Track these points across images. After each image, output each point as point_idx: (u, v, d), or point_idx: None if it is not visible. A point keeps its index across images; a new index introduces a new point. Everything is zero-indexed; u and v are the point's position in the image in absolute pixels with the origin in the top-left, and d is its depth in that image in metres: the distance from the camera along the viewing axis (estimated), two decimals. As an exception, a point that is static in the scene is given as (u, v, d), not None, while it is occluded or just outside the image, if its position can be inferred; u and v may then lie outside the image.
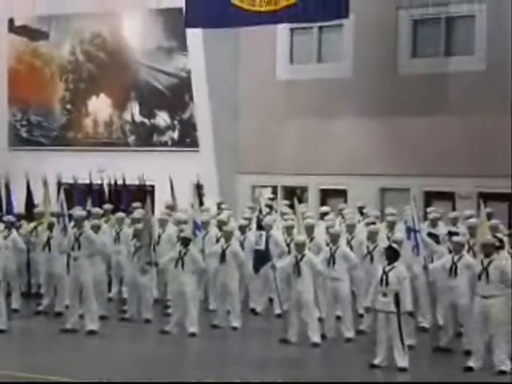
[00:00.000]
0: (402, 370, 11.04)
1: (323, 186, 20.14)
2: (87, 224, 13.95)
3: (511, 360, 11.00)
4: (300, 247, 12.67)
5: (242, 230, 14.92)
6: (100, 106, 22.96)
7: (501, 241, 12.33)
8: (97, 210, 15.96)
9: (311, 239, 13.69)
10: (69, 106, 23.53)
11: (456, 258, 11.99)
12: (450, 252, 12.31)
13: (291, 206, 16.32)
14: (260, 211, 13.70)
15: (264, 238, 13.18)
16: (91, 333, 13.12)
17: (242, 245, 14.42)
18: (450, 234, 13.01)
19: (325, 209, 16.82)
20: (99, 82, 22.92)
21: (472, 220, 13.57)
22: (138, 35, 22.30)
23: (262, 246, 13.20)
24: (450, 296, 12.11)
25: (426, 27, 19.19)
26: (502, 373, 10.87)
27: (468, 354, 11.39)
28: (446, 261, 12.18)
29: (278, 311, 14.23)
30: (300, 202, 17.33)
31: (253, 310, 14.90)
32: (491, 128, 17.90)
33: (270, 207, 17.28)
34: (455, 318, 12.16)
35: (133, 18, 22.34)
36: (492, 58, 18.02)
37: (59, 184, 19.70)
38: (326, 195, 20.17)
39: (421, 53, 19.19)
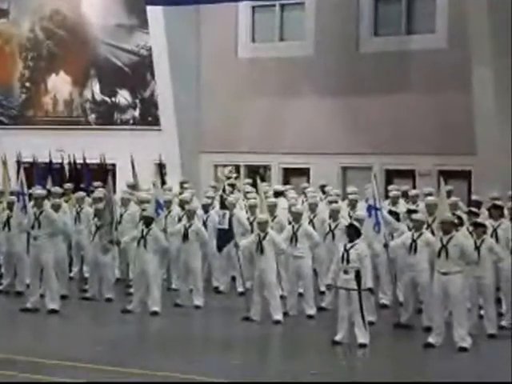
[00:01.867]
0: (363, 346, 11.15)
1: (286, 164, 20.16)
2: (47, 203, 13.82)
3: (471, 337, 11.15)
4: (262, 226, 12.69)
5: (205, 208, 14.90)
6: (60, 84, 22.70)
7: (460, 218, 12.47)
8: (57, 188, 15.83)
9: (274, 218, 13.72)
10: (28, 84, 23.25)
11: (416, 235, 12.10)
12: (410, 229, 12.42)
13: (254, 185, 16.32)
14: (223, 190, 13.68)
15: (227, 216, 13.17)
16: (52, 312, 13.05)
17: (204, 224, 14.43)
18: (410, 211, 13.11)
19: (278, 187, 16.80)
20: (59, 60, 22.66)
21: (430, 198, 13.69)
22: (98, 12, 22.05)
23: (225, 225, 13.20)
24: (410, 273, 12.22)
25: (388, 5, 19.22)
26: (463, 349, 11.01)
27: (428, 330, 11.53)
28: (405, 238, 12.29)
29: (240, 289, 14.27)
30: (263, 180, 17.34)
31: (216, 289, 14.92)
32: (451, 106, 18.03)
33: (233, 186, 17.27)
34: (415, 295, 12.29)
35: (93, -6, 22.08)
36: (453, 37, 18.11)
37: (19, 163, 19.47)
38: (288, 174, 20.21)
39: (382, 31, 19.22)
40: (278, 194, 15.97)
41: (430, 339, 11.23)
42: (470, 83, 17.32)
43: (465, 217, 12.90)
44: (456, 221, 11.78)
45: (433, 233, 12.20)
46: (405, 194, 15.51)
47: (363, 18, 19.27)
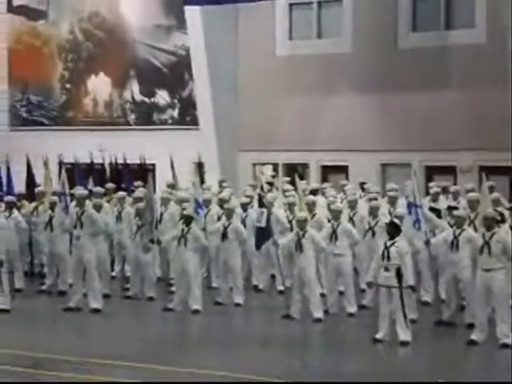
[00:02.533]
0: (405, 343, 11.09)
1: (324, 162, 20.11)
2: (89, 203, 13.96)
3: (513, 333, 11.04)
4: (302, 224, 12.68)
5: (244, 207, 14.93)
6: (99, 85, 22.89)
7: (502, 214, 12.33)
8: (98, 188, 15.97)
9: (313, 216, 13.70)
10: (68, 86, 23.48)
11: (457, 231, 12.00)
12: (452, 226, 12.32)
13: (292, 183, 16.31)
14: (261, 188, 13.70)
15: (265, 215, 13.18)
16: (95, 311, 13.18)
17: (243, 222, 14.44)
18: (451, 208, 13.00)
19: (314, 186, 16.73)
20: (98, 61, 22.85)
21: (472, 194, 13.56)
22: (137, 13, 22.19)
23: (264, 223, 13.22)
24: (452, 270, 12.13)
25: (426, 0, 19.07)
26: (505, 346, 10.90)
27: (471, 327, 11.43)
28: (447, 235, 12.19)
29: (280, 288, 14.27)
30: (301, 178, 17.32)
31: (255, 287, 14.94)
32: (491, 101, 17.83)
33: (271, 184, 17.27)
34: (457, 292, 12.19)
35: (131, -5, 22.24)
36: (492, 32, 17.92)
37: (60, 164, 19.70)
38: (327, 171, 20.16)
39: (421, 26, 19.08)
40: (313, 192, 15.92)
41: (473, 336, 11.14)
42: (509, 78, 17.11)
43: (507, 213, 12.76)
44: (498, 217, 11.65)
45: (475, 229, 12.09)
46: (445, 190, 15.37)
47: (401, 14, 19.15)
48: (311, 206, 13.85)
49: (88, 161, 20.33)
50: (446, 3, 18.86)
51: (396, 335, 11.15)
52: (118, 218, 15.54)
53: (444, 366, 10.51)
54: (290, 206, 14.46)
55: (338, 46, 19.82)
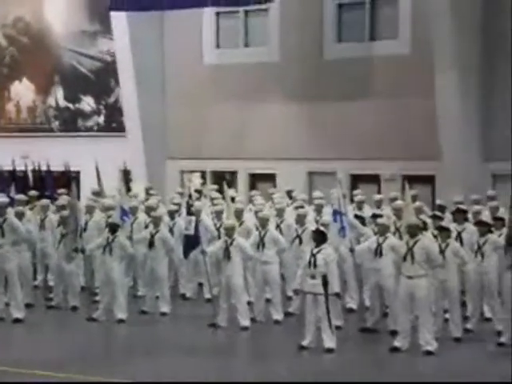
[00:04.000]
0: (330, 350, 11.18)
1: (252, 170, 20.17)
2: (11, 211, 13.67)
3: (436, 340, 11.23)
4: (229, 232, 12.68)
5: (171, 215, 14.85)
6: (23, 91, 22.49)
7: (424, 222, 12.57)
8: (21, 196, 15.66)
9: (240, 223, 13.71)
10: (-9, 91, 22.99)
11: (381, 239, 12.18)
12: (376, 234, 12.49)
13: (220, 191, 16.29)
14: (190, 196, 13.64)
15: (194, 223, 13.14)
16: (17, 321, 12.91)
17: (171, 230, 14.37)
18: (375, 216, 13.19)
19: (232, 193, 16.55)
20: (22, 67, 22.46)
21: (398, 202, 13.79)
22: (61, 19, 21.89)
23: (192, 231, 13.17)
24: (375, 277, 12.30)
25: (351, 11, 19.33)
26: (428, 353, 11.09)
27: (394, 334, 11.60)
28: (371, 243, 12.36)
29: (207, 296, 14.24)
30: (229, 186, 17.31)
31: (183, 295, 14.87)
32: (414, 111, 18.16)
33: (199, 192, 17.22)
34: (381, 299, 12.36)
35: (55, 1, 21.91)
36: (416, 42, 18.28)
37: (-18, 171, 19.25)
38: (255, 179, 20.22)
39: (346, 37, 19.33)
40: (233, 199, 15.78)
41: (396, 343, 11.30)
42: (433, 88, 17.48)
43: (429, 221, 13.01)
44: (421, 225, 11.87)
45: (400, 237, 12.28)
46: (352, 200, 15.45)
47: (327, 25, 19.37)
48: (239, 214, 13.87)
49: (10, 168, 19.92)
50: (370, 14, 19.15)
51: (321, 342, 11.23)
52: (41, 225, 15.25)
53: (368, 372, 10.62)
54: (218, 214, 14.45)
55: (265, 55, 19.92)
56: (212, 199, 16.20)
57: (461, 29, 17.12)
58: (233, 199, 15.29)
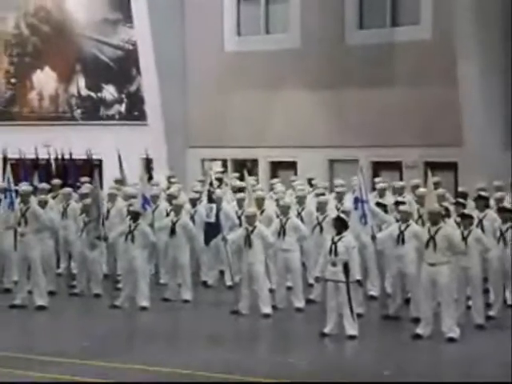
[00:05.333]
0: (352, 337, 11.17)
1: (273, 158, 20.16)
2: (34, 199, 13.76)
3: (458, 327, 11.19)
4: (251, 219, 12.68)
5: (193, 203, 14.88)
6: (45, 80, 22.59)
7: (447, 209, 12.50)
8: (43, 184, 15.76)
9: (262, 211, 13.71)
10: (13, 80, 23.13)
11: (403, 226, 12.13)
12: (398, 221, 12.45)
13: (241, 179, 16.29)
14: (211, 184, 13.67)
15: (215, 210, 13.16)
16: (40, 308, 13.00)
17: (192, 218, 14.40)
18: (397, 203, 13.14)
19: (238, 184, 16.44)
20: (44, 56, 22.55)
21: (421, 189, 13.73)
22: (83, 7, 21.95)
23: (213, 219, 13.19)
24: (397, 264, 12.26)
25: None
26: (451, 340, 11.05)
27: (416, 321, 11.56)
28: (393, 230, 12.32)
29: (229, 283, 14.26)
30: (250, 174, 17.32)
31: (204, 283, 14.91)
32: (437, 97, 18.04)
33: (220, 180, 17.25)
34: (403, 286, 12.33)
35: (77, -11, 21.99)
36: (438, 28, 18.14)
37: (5, 159, 19.38)
38: (275, 167, 20.21)
39: (367, 23, 19.22)
40: (239, 190, 15.78)
41: (418, 330, 11.27)
42: (456, 74, 17.35)
43: (452, 208, 12.94)
44: (443, 212, 11.81)
45: (423, 224, 12.22)
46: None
47: (348, 11, 19.27)
48: (260, 202, 13.87)
49: (33, 156, 20.05)
50: (391, 0, 19.03)
51: (343, 329, 11.23)
52: (64, 214, 15.34)
53: (390, 359, 10.62)
54: (239, 202, 14.46)
55: (286, 41, 19.86)
56: (233, 187, 16.18)
57: (484, 14, 16.96)
58: (241, 189, 15.07)
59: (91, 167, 19.15)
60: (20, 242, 13.25)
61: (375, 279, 13.52)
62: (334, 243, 11.28)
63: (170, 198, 14.71)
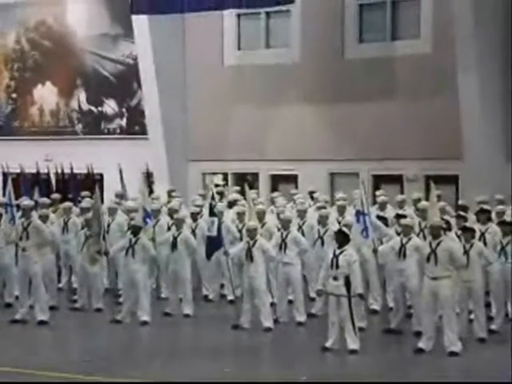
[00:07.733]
0: (353, 352, 11.14)
1: (273, 171, 20.17)
2: (35, 214, 13.76)
3: (460, 341, 11.16)
4: (252, 233, 12.68)
5: (194, 217, 14.88)
6: (46, 95, 22.65)
7: (448, 223, 12.50)
8: (44, 199, 15.76)
9: (262, 225, 13.71)
10: (14, 95, 23.18)
11: (404, 240, 12.12)
12: (399, 234, 12.44)
13: (242, 193, 16.30)
14: (212, 198, 13.68)
15: (216, 224, 13.16)
16: (41, 323, 12.98)
17: (193, 232, 14.39)
18: (399, 216, 13.13)
19: (234, 196, 16.49)
20: (45, 70, 22.61)
21: (423, 203, 13.73)
22: (83, 22, 22.02)
23: (214, 233, 13.19)
24: (399, 278, 12.24)
25: (372, 11, 19.28)
26: (453, 354, 11.02)
27: (418, 335, 11.54)
28: (394, 243, 12.31)
29: (230, 297, 14.24)
30: (251, 188, 17.33)
31: (205, 297, 14.89)
32: (437, 111, 18.08)
33: (221, 194, 17.25)
34: (405, 300, 12.30)
35: (77, 4, 22.04)
36: (438, 42, 18.19)
37: (5, 174, 19.39)
38: (276, 181, 20.22)
39: (367, 37, 19.28)
40: (231, 204, 15.79)
41: (421, 344, 11.23)
42: (456, 88, 17.39)
43: (453, 221, 12.94)
44: (444, 225, 11.80)
45: (425, 237, 12.21)
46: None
47: (348, 25, 19.33)
48: (261, 215, 13.86)
49: (34, 171, 20.06)
50: (391, 14, 19.09)
51: (345, 343, 11.20)
52: (65, 228, 15.34)
53: (392, 373, 10.58)
54: (240, 216, 14.46)
55: (286, 56, 19.92)
56: (234, 201, 16.17)
57: (483, 28, 17.01)
58: (234, 202, 15.01)
59: (92, 181, 19.15)
60: (21, 257, 13.24)
61: (377, 293, 13.49)
62: (336, 257, 11.27)
63: (171, 212, 14.70)
